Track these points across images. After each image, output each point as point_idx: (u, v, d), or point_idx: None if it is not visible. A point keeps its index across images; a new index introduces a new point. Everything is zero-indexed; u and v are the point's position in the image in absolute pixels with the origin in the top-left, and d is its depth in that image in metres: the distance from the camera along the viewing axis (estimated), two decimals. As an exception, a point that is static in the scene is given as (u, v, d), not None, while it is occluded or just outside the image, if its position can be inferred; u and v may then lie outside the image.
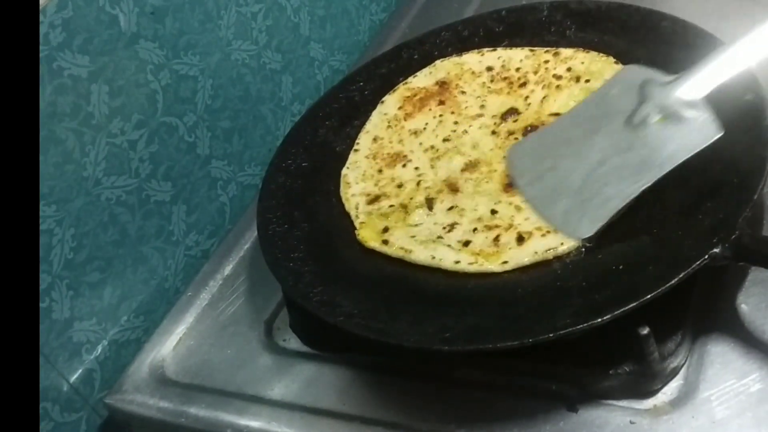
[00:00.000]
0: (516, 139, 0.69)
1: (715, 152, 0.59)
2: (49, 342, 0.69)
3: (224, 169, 0.84)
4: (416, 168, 0.70)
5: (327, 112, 0.78)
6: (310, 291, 0.61)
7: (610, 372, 0.55)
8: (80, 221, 0.71)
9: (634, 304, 0.51)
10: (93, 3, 0.70)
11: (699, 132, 0.59)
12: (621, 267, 0.56)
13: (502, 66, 0.75)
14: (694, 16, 0.69)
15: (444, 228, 0.64)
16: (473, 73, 0.76)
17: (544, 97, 0.71)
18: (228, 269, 0.78)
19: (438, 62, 0.78)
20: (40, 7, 0.65)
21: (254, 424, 0.63)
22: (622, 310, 0.51)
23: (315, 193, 0.71)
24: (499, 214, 0.63)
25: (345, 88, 0.80)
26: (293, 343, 0.68)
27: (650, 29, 0.71)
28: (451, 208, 0.65)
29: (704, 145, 0.58)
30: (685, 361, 0.56)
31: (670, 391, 0.55)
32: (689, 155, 0.58)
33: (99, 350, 0.74)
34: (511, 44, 0.77)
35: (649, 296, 0.51)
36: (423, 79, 0.77)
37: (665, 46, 0.68)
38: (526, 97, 0.72)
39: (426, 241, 0.63)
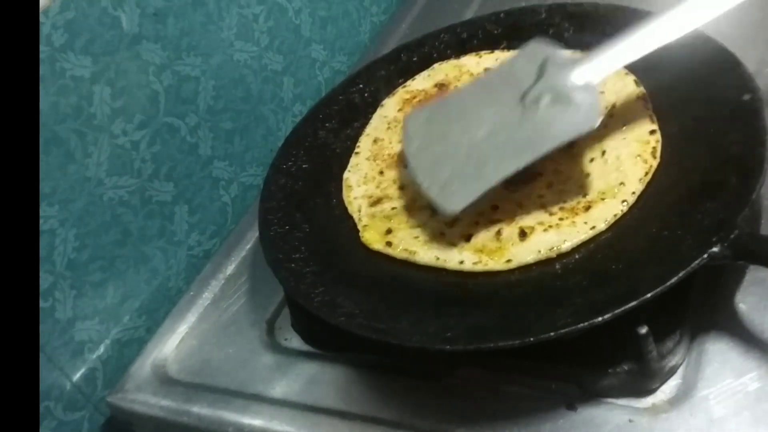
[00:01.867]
0: None
1: (715, 152, 0.59)
2: (51, 341, 0.69)
3: (226, 170, 0.84)
4: None
5: (327, 114, 0.78)
6: (311, 292, 0.62)
7: (609, 371, 0.55)
8: (83, 221, 0.71)
9: (634, 303, 0.51)
10: (95, 4, 0.70)
11: (581, 117, 0.58)
12: (621, 266, 0.56)
13: None
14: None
15: (446, 224, 0.64)
16: (472, 75, 0.76)
17: None
18: (230, 269, 0.78)
19: (436, 65, 0.78)
20: (43, 9, 0.66)
21: (256, 422, 0.64)
22: (622, 309, 0.51)
23: (316, 195, 0.72)
24: (501, 208, 0.64)
25: (345, 90, 0.80)
26: (295, 342, 0.69)
27: None
28: None
29: (580, 133, 0.58)
30: (684, 360, 0.56)
31: (668, 389, 0.55)
32: (567, 139, 0.58)
33: (101, 349, 0.74)
34: (510, 46, 0.77)
35: (649, 295, 0.51)
36: (422, 82, 0.78)
37: (663, 47, 0.69)
38: None
39: (430, 242, 0.63)
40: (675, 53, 0.66)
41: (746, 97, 0.60)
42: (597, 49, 0.61)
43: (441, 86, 0.76)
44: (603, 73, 0.60)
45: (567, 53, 0.64)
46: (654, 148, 0.63)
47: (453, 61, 0.78)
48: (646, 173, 0.62)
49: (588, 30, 0.74)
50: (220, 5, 0.82)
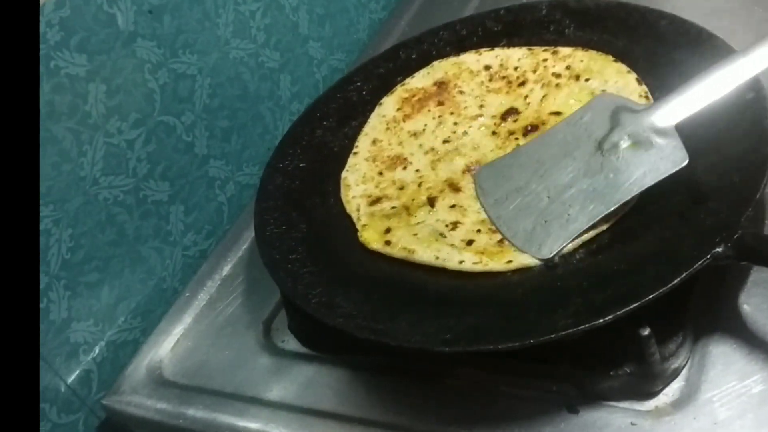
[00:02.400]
0: (516, 139, 0.69)
1: (718, 151, 0.59)
2: (46, 343, 0.69)
3: (222, 169, 0.84)
4: (417, 170, 0.70)
5: (325, 113, 0.78)
6: (308, 292, 0.61)
7: (611, 373, 0.55)
8: (77, 221, 0.70)
9: (636, 304, 0.50)
10: (91, 2, 0.70)
11: (667, 159, 0.59)
12: (622, 267, 0.56)
13: (501, 65, 0.75)
14: (692, 14, 0.69)
15: (447, 226, 0.64)
16: (471, 72, 0.76)
17: (543, 96, 0.71)
18: (226, 269, 0.78)
19: (436, 63, 0.78)
20: (39, 6, 0.65)
21: (252, 425, 0.63)
22: (623, 311, 0.50)
23: (313, 194, 0.71)
24: None
25: (343, 89, 0.79)
26: (291, 344, 0.68)
27: (649, 28, 0.70)
28: (453, 206, 0.65)
29: (671, 172, 0.58)
30: (687, 362, 0.56)
31: (671, 392, 0.55)
32: (655, 181, 0.59)
33: (96, 351, 0.73)
34: (510, 43, 0.77)
35: (650, 297, 0.51)
36: (421, 80, 0.77)
37: (664, 44, 0.68)
38: (526, 97, 0.72)
39: (429, 240, 0.63)
40: (677, 50, 0.66)
41: (750, 95, 0.60)
42: (672, 93, 0.62)
43: (440, 84, 0.76)
44: (681, 115, 0.60)
45: (636, 102, 0.65)
46: None
47: (452, 59, 0.78)
48: None
49: (589, 27, 0.74)
50: (217, 2, 0.81)
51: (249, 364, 0.68)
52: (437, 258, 0.62)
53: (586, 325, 0.51)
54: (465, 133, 0.71)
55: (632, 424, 0.54)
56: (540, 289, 0.58)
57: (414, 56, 0.80)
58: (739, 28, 0.64)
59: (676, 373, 0.55)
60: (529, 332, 0.52)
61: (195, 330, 0.73)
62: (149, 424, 0.68)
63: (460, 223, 0.64)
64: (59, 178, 0.68)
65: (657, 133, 0.60)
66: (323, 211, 0.70)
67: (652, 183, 0.59)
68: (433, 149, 0.71)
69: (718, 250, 0.52)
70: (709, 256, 0.52)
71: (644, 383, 0.55)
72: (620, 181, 0.60)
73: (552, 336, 0.51)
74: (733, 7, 0.77)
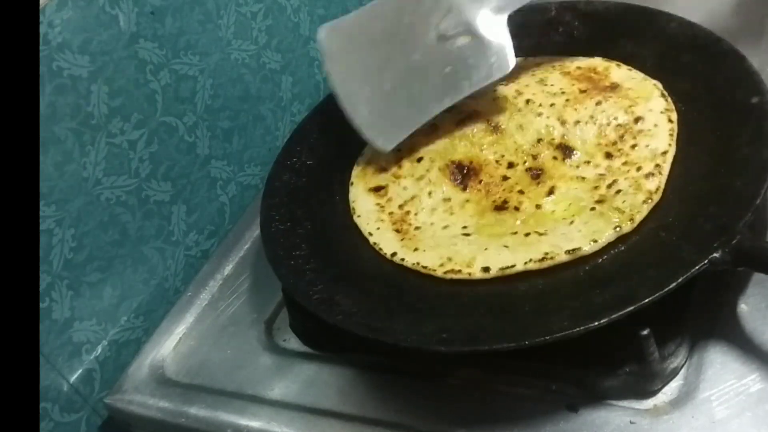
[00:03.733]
0: None
1: (721, 156, 0.59)
2: (49, 342, 0.69)
3: (224, 169, 0.84)
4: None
5: (333, 110, 0.77)
6: (310, 289, 0.62)
7: (611, 372, 0.55)
8: (80, 221, 0.71)
9: (631, 308, 0.51)
10: (93, 3, 0.70)
11: (495, 64, 0.61)
12: (621, 270, 0.56)
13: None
14: (700, 17, 0.69)
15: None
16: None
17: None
18: (228, 269, 0.78)
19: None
20: (40, 8, 0.65)
21: (254, 424, 0.63)
22: (618, 314, 0.51)
23: (319, 192, 0.72)
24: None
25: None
26: (293, 343, 0.68)
27: (658, 30, 0.71)
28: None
29: (495, 80, 0.60)
30: (685, 361, 0.56)
31: (670, 391, 0.55)
32: (481, 86, 0.61)
33: (99, 350, 0.74)
34: (519, 44, 0.77)
35: (646, 301, 0.51)
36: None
37: (672, 47, 0.69)
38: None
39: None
40: (685, 53, 0.66)
41: (755, 99, 0.60)
42: None
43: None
44: (512, 7, 0.61)
45: None
46: None
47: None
48: None
49: (598, 28, 0.74)
50: (218, 3, 0.81)
51: (251, 363, 0.68)
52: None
53: (581, 328, 0.51)
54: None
55: (631, 422, 0.54)
56: (539, 291, 0.58)
57: None
58: (746, 30, 0.64)
59: (674, 373, 0.55)
60: (525, 333, 0.53)
61: (197, 329, 0.73)
62: (151, 423, 0.68)
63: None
64: (62, 179, 0.69)
65: (490, 26, 0.61)
66: (328, 208, 0.70)
67: (476, 89, 0.61)
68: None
69: (716, 255, 0.52)
70: (706, 262, 0.52)
71: (643, 382, 0.55)
72: (454, 81, 0.61)
73: (547, 338, 0.51)
74: (740, 10, 0.78)
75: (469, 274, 0.60)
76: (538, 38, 0.77)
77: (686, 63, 0.67)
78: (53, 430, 0.70)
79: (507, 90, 0.71)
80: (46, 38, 0.66)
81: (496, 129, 0.68)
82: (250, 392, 0.66)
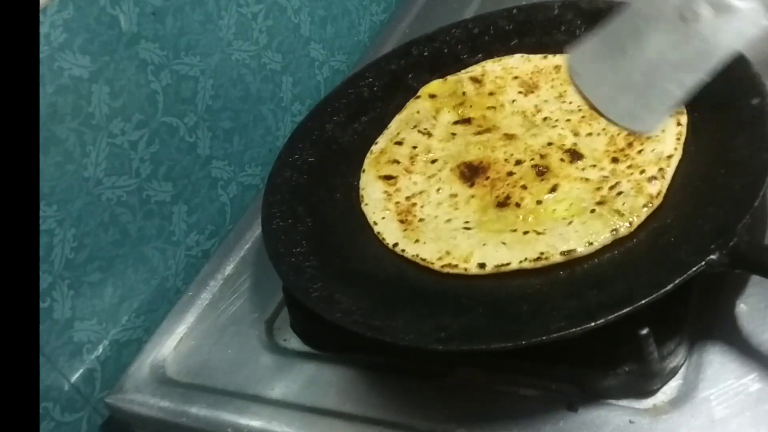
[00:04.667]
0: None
1: (720, 157, 0.59)
2: (50, 342, 0.69)
3: (225, 170, 0.84)
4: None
5: (335, 108, 0.78)
6: (310, 287, 0.62)
7: (610, 372, 0.55)
8: (81, 221, 0.71)
9: (628, 309, 0.51)
10: (94, 3, 0.70)
11: (750, 22, 0.59)
12: (619, 270, 0.56)
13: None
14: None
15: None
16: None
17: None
18: (228, 269, 0.78)
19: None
20: (41, 8, 0.66)
21: (255, 423, 0.63)
22: (615, 314, 0.51)
23: (320, 189, 0.72)
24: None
25: (353, 84, 0.80)
26: (294, 342, 0.69)
27: None
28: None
29: (756, 34, 0.59)
30: (685, 360, 0.56)
31: (669, 390, 0.55)
32: (743, 46, 0.59)
33: (100, 350, 0.74)
34: (522, 43, 0.77)
35: (643, 302, 0.51)
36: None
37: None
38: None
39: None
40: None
41: (755, 101, 0.60)
42: None
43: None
44: None
45: None
46: None
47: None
48: None
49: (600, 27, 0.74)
50: (219, 4, 0.82)
51: (251, 362, 0.68)
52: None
53: (578, 328, 0.51)
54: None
55: (630, 422, 0.54)
56: (537, 290, 0.58)
57: (426, 53, 0.80)
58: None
59: (674, 372, 0.55)
60: (523, 333, 0.53)
61: (198, 329, 0.73)
62: (152, 423, 0.68)
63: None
64: (63, 179, 0.69)
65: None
66: (329, 206, 0.70)
67: (740, 48, 0.59)
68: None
69: (713, 257, 0.52)
70: (703, 264, 0.52)
71: (643, 382, 0.55)
72: (707, 49, 0.60)
73: (544, 338, 0.52)
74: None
75: (465, 269, 0.60)
76: (541, 37, 0.77)
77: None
78: (54, 430, 0.70)
79: (527, 104, 0.72)
80: (47, 38, 0.66)
81: (510, 137, 0.70)
82: (250, 392, 0.66)
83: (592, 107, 0.64)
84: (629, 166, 0.63)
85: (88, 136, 0.70)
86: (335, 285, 0.62)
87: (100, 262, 0.73)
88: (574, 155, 0.65)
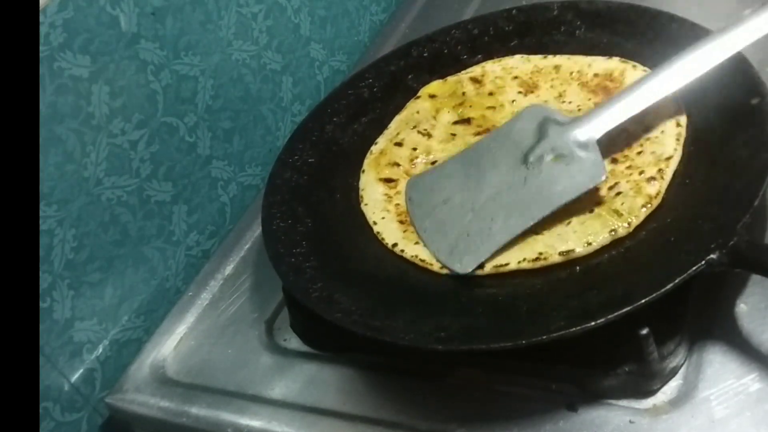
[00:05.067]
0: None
1: (721, 156, 0.59)
2: (50, 342, 0.69)
3: (225, 170, 0.84)
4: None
5: (335, 109, 0.78)
6: (309, 287, 0.62)
7: (610, 372, 0.55)
8: (81, 221, 0.71)
9: (628, 308, 0.51)
10: (94, 3, 0.70)
11: (586, 173, 0.60)
12: (618, 270, 0.56)
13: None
14: (702, 17, 0.69)
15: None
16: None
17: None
18: (229, 269, 0.78)
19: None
20: (41, 8, 0.66)
21: (255, 423, 0.63)
22: (615, 314, 0.51)
23: (320, 189, 0.72)
24: None
25: (353, 85, 0.80)
26: (294, 342, 0.69)
27: (659, 31, 0.71)
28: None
29: (588, 188, 0.59)
30: (685, 360, 0.56)
31: (669, 390, 0.55)
32: (572, 197, 0.59)
33: (100, 350, 0.74)
34: (521, 43, 0.77)
35: (642, 301, 0.51)
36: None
37: (673, 47, 0.68)
38: None
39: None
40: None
41: (755, 100, 0.60)
42: (597, 107, 0.63)
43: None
44: (604, 129, 0.62)
45: (564, 115, 0.66)
46: None
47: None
48: None
49: (599, 28, 0.74)
50: (219, 4, 0.82)
51: (251, 362, 0.68)
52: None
53: (578, 328, 0.51)
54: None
55: (630, 422, 0.54)
56: (537, 290, 0.58)
57: (425, 54, 0.80)
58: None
59: (674, 372, 0.55)
60: (522, 333, 0.53)
61: (198, 329, 0.73)
62: (152, 423, 0.68)
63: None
64: (63, 179, 0.69)
65: (579, 147, 0.61)
66: (329, 206, 0.70)
67: (570, 199, 0.60)
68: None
69: (713, 256, 0.52)
70: (703, 263, 0.52)
71: (643, 382, 0.55)
72: (542, 196, 0.61)
73: (544, 338, 0.52)
74: (740, 10, 0.77)
75: None
76: (540, 37, 0.77)
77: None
78: (54, 430, 0.70)
79: (526, 104, 0.72)
80: (47, 38, 0.66)
81: None
82: (250, 392, 0.66)
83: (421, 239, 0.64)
84: (628, 167, 0.63)
85: (87, 136, 0.70)
86: (335, 285, 0.62)
87: (100, 262, 0.73)
88: None
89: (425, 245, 0.63)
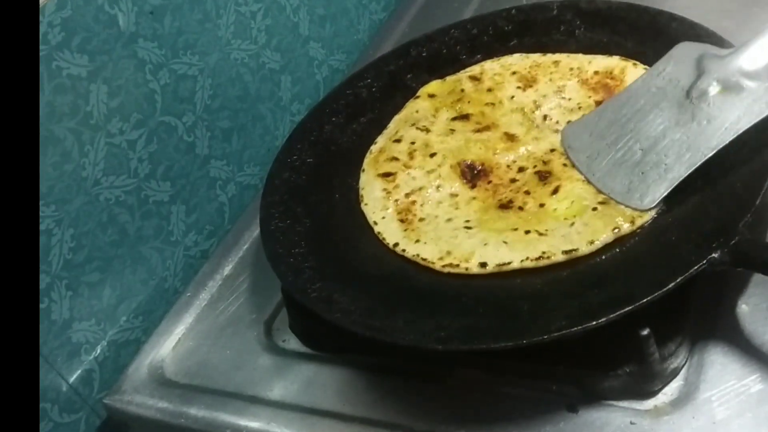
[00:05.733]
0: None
1: (721, 155, 0.59)
2: (48, 342, 0.69)
3: (223, 169, 0.84)
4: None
5: (333, 109, 0.78)
6: (308, 287, 0.62)
7: (611, 373, 0.55)
8: (79, 221, 0.70)
9: (629, 308, 0.51)
10: (92, 2, 0.70)
11: (760, 100, 0.58)
12: (620, 270, 0.56)
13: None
14: (702, 16, 0.69)
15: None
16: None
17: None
18: (227, 269, 0.78)
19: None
20: (40, 7, 0.65)
21: (253, 424, 0.63)
22: (616, 314, 0.51)
23: (319, 190, 0.71)
24: None
25: (352, 85, 0.79)
26: (292, 343, 0.68)
27: (659, 30, 0.71)
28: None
29: (766, 114, 0.58)
30: (686, 361, 0.56)
31: (670, 391, 0.55)
32: (750, 124, 0.58)
33: (98, 351, 0.73)
34: (521, 43, 0.77)
35: (644, 301, 0.51)
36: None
37: (673, 46, 0.68)
38: None
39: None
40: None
41: None
42: (754, 38, 0.61)
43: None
44: (767, 57, 0.60)
45: (719, 48, 0.64)
46: None
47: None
48: None
49: (599, 27, 0.74)
50: (218, 3, 0.81)
51: (250, 363, 0.68)
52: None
53: (579, 327, 0.51)
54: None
55: (631, 423, 0.54)
56: (538, 290, 0.58)
57: (424, 54, 0.80)
58: (745, 29, 0.64)
59: (675, 373, 0.55)
60: (523, 333, 0.53)
61: (196, 330, 0.73)
62: (151, 424, 0.68)
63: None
64: (61, 179, 0.69)
65: (746, 76, 0.60)
66: (328, 206, 0.70)
67: (747, 126, 0.58)
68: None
69: (715, 256, 0.52)
70: (705, 262, 0.52)
71: (644, 383, 0.55)
72: (714, 128, 0.59)
73: (545, 337, 0.51)
74: (739, 9, 0.77)
75: (467, 268, 0.60)
76: (540, 37, 0.77)
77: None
78: (52, 431, 0.70)
79: (525, 99, 0.72)
80: (45, 37, 0.66)
81: (511, 138, 0.69)
82: (249, 393, 0.66)
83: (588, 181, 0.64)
84: None
85: (86, 135, 0.70)
86: (334, 285, 0.61)
87: (98, 263, 0.72)
88: None
89: (597, 189, 0.63)
